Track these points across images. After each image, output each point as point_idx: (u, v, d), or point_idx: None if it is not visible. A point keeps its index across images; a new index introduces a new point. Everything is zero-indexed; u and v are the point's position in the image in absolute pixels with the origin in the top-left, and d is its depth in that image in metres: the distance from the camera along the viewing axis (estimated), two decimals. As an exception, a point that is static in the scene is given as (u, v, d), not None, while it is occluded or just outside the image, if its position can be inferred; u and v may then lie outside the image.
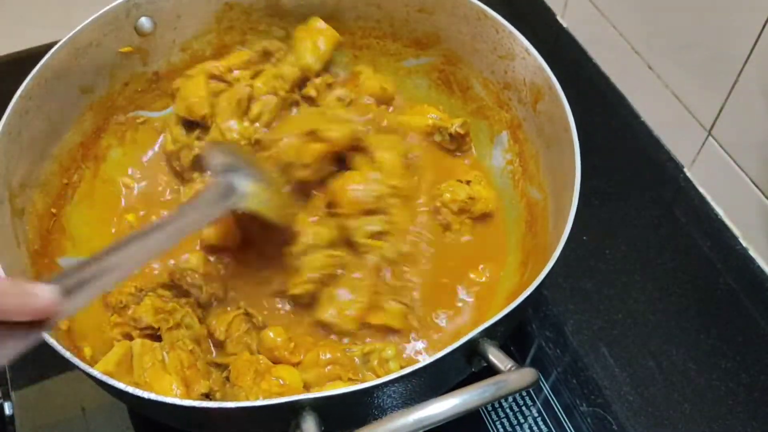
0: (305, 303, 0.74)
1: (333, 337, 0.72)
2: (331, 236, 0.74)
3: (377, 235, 0.75)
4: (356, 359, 0.69)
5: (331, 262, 0.73)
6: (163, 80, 0.88)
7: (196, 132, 0.84)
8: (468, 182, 0.81)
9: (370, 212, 0.76)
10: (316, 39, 0.87)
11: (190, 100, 0.82)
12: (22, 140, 0.71)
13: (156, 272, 0.76)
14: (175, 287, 0.73)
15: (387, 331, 0.72)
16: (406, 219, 0.78)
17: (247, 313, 0.72)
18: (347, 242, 0.76)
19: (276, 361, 0.69)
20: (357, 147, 0.80)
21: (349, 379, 0.68)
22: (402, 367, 0.57)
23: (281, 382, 0.66)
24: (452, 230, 0.80)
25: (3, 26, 1.39)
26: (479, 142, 0.87)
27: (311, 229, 0.75)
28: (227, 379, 0.69)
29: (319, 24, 0.87)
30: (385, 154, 0.79)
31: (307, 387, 0.68)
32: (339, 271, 0.74)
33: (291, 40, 0.89)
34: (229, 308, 0.75)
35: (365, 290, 0.73)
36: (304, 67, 0.86)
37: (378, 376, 0.67)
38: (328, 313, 0.72)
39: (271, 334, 0.70)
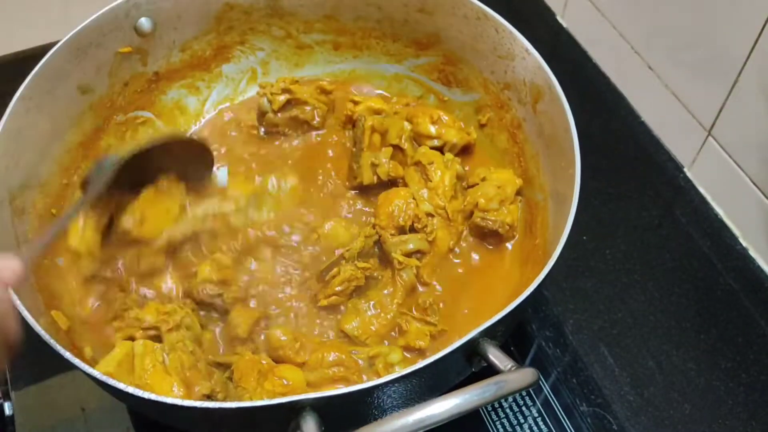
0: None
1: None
2: (362, 246, 0.74)
3: (414, 253, 0.76)
4: (361, 362, 0.69)
5: (359, 274, 0.73)
6: (163, 80, 0.88)
7: None
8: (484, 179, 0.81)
9: (411, 229, 0.76)
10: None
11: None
12: (22, 140, 0.71)
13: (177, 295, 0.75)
14: (199, 303, 0.73)
15: (409, 349, 0.72)
16: (446, 239, 0.77)
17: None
18: (383, 256, 0.76)
19: (280, 361, 0.69)
20: (416, 162, 0.80)
21: (354, 382, 0.68)
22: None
23: (285, 382, 0.66)
24: (497, 237, 0.79)
25: (3, 26, 1.38)
26: (480, 142, 0.88)
27: (343, 239, 0.76)
28: (230, 379, 0.69)
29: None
30: (439, 171, 0.79)
31: (310, 387, 0.68)
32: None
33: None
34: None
35: (392, 308, 0.73)
36: None
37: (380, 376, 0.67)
38: (351, 324, 0.72)
39: (278, 333, 0.70)
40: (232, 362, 0.69)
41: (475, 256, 0.79)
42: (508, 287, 0.76)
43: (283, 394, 0.61)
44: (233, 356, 0.70)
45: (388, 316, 0.72)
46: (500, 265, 0.78)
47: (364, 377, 0.69)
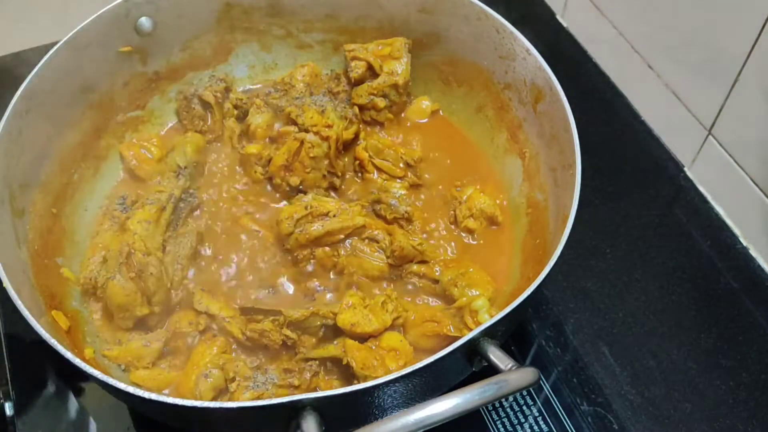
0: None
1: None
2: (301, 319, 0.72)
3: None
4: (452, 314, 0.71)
5: (276, 337, 0.71)
6: (163, 80, 0.88)
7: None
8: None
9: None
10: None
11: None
12: (22, 140, 0.71)
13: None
14: (255, 345, 0.72)
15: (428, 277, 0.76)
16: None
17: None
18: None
19: (358, 337, 0.70)
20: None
21: (449, 333, 0.69)
22: (492, 317, 0.58)
23: (397, 352, 0.68)
24: (474, 234, 0.80)
25: (3, 26, 1.38)
26: (480, 142, 0.88)
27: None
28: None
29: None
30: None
31: (413, 347, 0.70)
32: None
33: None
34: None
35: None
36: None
37: (470, 328, 0.68)
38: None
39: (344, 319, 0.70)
40: (337, 356, 0.69)
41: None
42: (509, 287, 0.76)
43: (405, 365, 0.61)
44: (330, 349, 0.70)
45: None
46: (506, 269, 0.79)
47: (452, 328, 0.69)
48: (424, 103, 0.90)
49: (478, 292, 0.71)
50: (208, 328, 0.73)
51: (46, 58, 0.74)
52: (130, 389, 0.54)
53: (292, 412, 0.53)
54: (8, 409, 0.75)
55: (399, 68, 0.86)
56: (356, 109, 0.87)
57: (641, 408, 0.75)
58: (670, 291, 0.84)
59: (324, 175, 0.81)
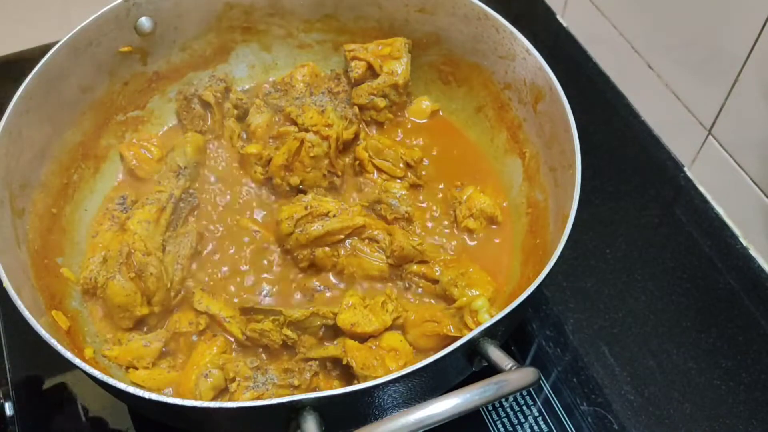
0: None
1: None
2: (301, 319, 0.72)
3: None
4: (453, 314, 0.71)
5: (276, 337, 0.71)
6: (163, 80, 0.88)
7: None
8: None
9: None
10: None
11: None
12: (22, 140, 0.71)
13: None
14: (255, 345, 0.72)
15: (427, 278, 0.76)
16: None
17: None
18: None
19: (358, 337, 0.70)
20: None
21: (449, 333, 0.69)
22: (492, 317, 0.58)
23: (397, 352, 0.68)
24: (474, 234, 0.80)
25: (3, 26, 1.39)
26: (480, 142, 0.88)
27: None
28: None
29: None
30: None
31: (413, 348, 0.70)
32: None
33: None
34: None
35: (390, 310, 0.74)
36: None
37: (470, 328, 0.68)
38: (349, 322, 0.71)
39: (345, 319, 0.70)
40: (337, 356, 0.69)
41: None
42: (509, 287, 0.76)
43: (405, 365, 0.61)
44: (330, 350, 0.70)
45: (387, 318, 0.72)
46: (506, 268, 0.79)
47: (452, 328, 0.69)
48: (424, 103, 0.90)
49: (478, 292, 0.71)
50: (208, 328, 0.73)
51: (46, 58, 0.74)
52: (130, 389, 0.54)
53: (292, 412, 0.53)
54: (8, 409, 0.75)
55: (399, 68, 0.86)
56: (356, 109, 0.87)
57: (641, 408, 0.75)
58: (670, 291, 0.84)
59: (324, 175, 0.81)
